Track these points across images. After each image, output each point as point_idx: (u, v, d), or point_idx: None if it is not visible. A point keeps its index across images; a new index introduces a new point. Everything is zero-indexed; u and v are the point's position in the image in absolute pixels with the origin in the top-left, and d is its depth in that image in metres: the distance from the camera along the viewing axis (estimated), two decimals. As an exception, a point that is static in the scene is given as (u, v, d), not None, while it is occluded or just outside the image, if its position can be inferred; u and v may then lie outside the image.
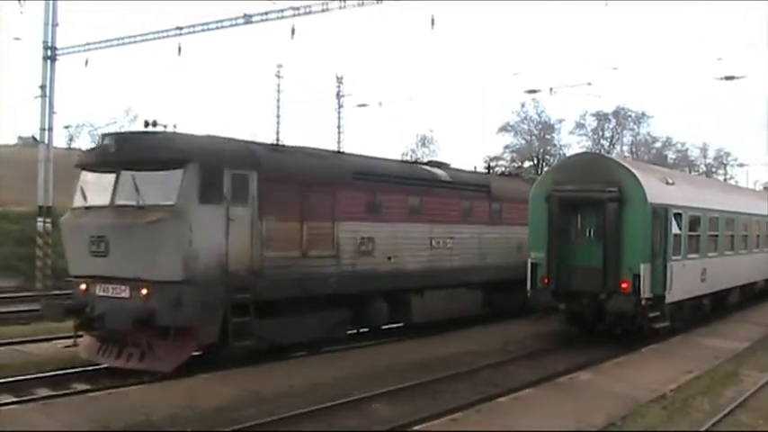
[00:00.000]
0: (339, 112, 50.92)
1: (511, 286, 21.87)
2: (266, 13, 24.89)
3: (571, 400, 12.57)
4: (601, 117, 77.98)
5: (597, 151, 65.44)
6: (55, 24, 28.60)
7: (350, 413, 11.69)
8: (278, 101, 50.24)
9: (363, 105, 38.47)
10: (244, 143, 15.49)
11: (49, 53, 28.63)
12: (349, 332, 17.43)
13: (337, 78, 52.03)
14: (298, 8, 24.29)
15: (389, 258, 17.83)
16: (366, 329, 18.36)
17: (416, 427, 10.59)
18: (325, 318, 16.40)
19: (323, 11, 24.35)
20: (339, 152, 17.65)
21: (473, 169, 23.67)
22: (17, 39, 37.56)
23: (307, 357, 15.77)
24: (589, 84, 34.16)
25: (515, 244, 22.37)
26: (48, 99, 28.42)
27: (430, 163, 21.55)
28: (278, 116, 50.02)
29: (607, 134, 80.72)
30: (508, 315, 21.85)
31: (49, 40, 28.43)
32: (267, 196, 14.79)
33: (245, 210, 14.42)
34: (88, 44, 28.13)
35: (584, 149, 67.76)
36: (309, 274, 15.67)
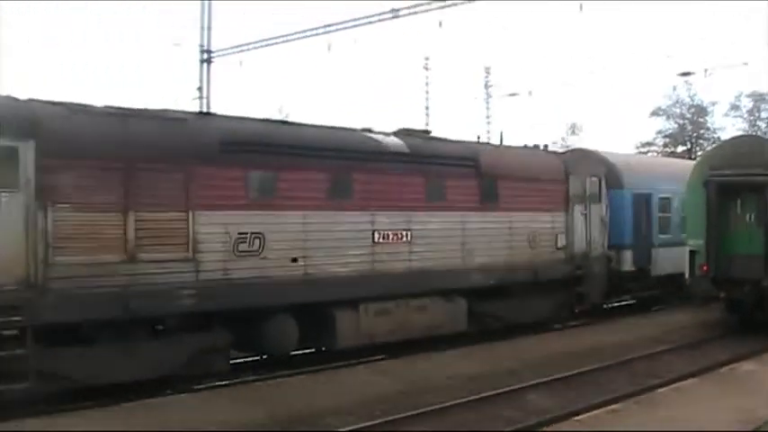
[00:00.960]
0: (487, 103, 50.00)
1: (520, 292, 16.65)
2: (414, 6, 23.19)
3: (733, 392, 11.97)
4: (757, 98, 70.35)
5: (754, 134, 57.91)
6: (210, 28, 28.89)
7: (505, 404, 11.50)
8: (426, 93, 49.25)
9: (513, 95, 38.78)
10: (13, 100, 11.01)
11: (205, 56, 29.05)
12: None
13: (485, 69, 51.25)
14: (445, -1, 22.88)
15: (295, 261, 13.01)
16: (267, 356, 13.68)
17: (576, 418, 10.36)
18: (183, 345, 11.84)
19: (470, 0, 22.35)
20: (203, 113, 12.86)
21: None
22: (177, 44, 38.58)
23: (449, 351, 15.08)
24: (745, 64, 35.32)
25: (524, 236, 16.96)
26: (205, 100, 28.76)
27: (401, 132, 16.46)
28: (426, 108, 48.96)
29: (764, 115, 72.51)
30: (525, 330, 17.02)
31: (205, 43, 28.79)
32: (56, 177, 10.41)
33: (12, 198, 10.10)
34: (241, 46, 28.61)
35: (740, 132, 60.81)
36: (141, 285, 11.15)
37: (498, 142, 18.63)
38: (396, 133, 15.79)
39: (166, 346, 11.65)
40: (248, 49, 28.62)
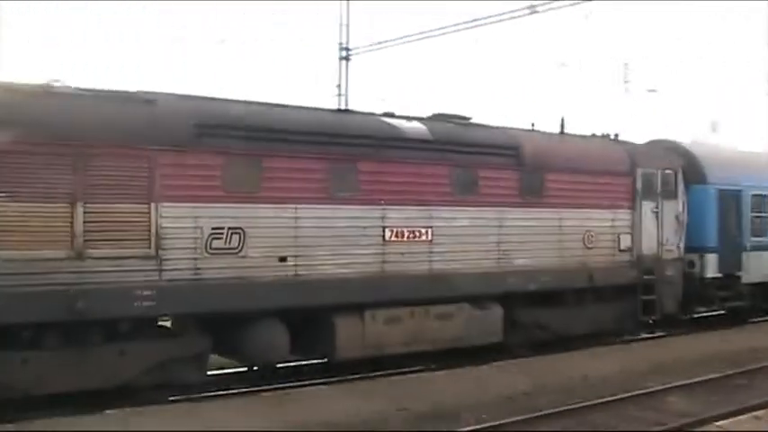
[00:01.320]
0: (626, 99, 47.88)
1: (574, 299, 14.61)
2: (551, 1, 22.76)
3: None
4: None
5: None
6: (348, 25, 29.29)
7: (644, 405, 11.31)
8: (563, 91, 46.56)
9: (652, 91, 37.12)
10: None
11: (343, 53, 29.50)
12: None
13: (624, 65, 48.76)
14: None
15: (284, 260, 11.49)
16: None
17: (717, 423, 10.11)
18: (145, 353, 10.57)
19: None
20: (180, 95, 11.48)
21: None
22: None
23: (582, 350, 14.76)
24: None
25: (578, 236, 14.82)
26: (344, 97, 29.17)
27: (434, 117, 14.58)
28: (560, 105, 47.58)
29: None
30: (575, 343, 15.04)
31: (344, 40, 29.18)
32: (-11, 163, 9.33)
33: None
34: (381, 42, 28.81)
35: None
36: (91, 285, 9.93)
37: (559, 131, 16.42)
38: (425, 118, 13.98)
39: (125, 352, 10.40)
40: (388, 46, 28.75)
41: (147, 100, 10.79)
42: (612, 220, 15.54)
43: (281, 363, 12.24)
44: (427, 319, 12.97)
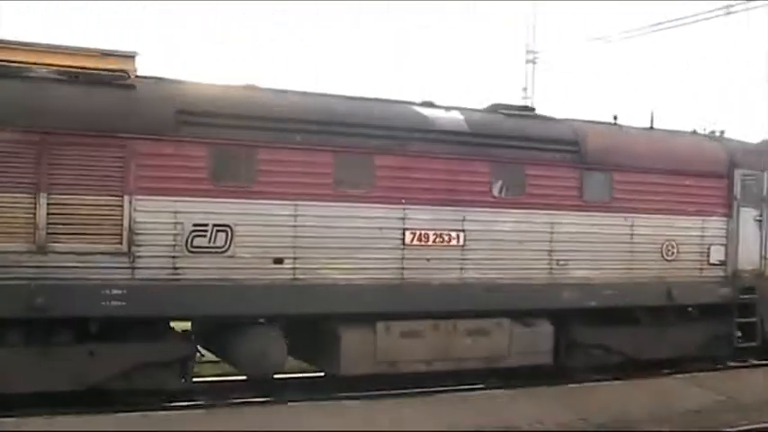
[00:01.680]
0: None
1: (650, 319, 12.66)
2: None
3: None
4: None
5: None
6: (535, 27, 29.81)
7: None
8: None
9: None
10: None
11: (530, 57, 29.94)
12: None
13: None
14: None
15: (280, 262, 10.36)
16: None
17: None
18: (120, 356, 9.78)
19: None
20: (162, 78, 10.46)
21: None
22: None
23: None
24: None
25: (654, 246, 12.78)
26: (530, 101, 29.30)
27: (491, 108, 12.94)
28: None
29: None
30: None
31: (531, 43, 29.62)
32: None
33: None
34: (571, 46, 30.18)
35: None
36: (53, 281, 9.25)
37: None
38: (474, 109, 12.42)
39: (97, 354, 9.65)
40: (578, 50, 30.39)
41: (125, 84, 9.98)
42: (702, 228, 13.29)
43: (277, 374, 11.09)
44: (456, 335, 11.43)
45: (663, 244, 12.89)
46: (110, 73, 10.14)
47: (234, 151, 10.14)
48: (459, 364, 11.58)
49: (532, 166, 11.91)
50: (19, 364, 9.25)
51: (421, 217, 11.16)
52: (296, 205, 10.42)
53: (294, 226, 10.43)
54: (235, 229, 10.09)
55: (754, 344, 13.84)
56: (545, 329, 12.09)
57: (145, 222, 9.67)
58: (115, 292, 9.51)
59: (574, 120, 12.91)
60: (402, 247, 11.05)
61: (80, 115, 9.44)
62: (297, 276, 10.43)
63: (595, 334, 12.70)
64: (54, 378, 9.39)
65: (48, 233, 9.24)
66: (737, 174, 13.58)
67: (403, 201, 11.04)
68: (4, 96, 9.24)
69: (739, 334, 13.82)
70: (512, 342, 11.81)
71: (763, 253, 13.83)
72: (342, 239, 10.65)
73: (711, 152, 13.68)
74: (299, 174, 10.43)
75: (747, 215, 13.65)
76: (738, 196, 13.56)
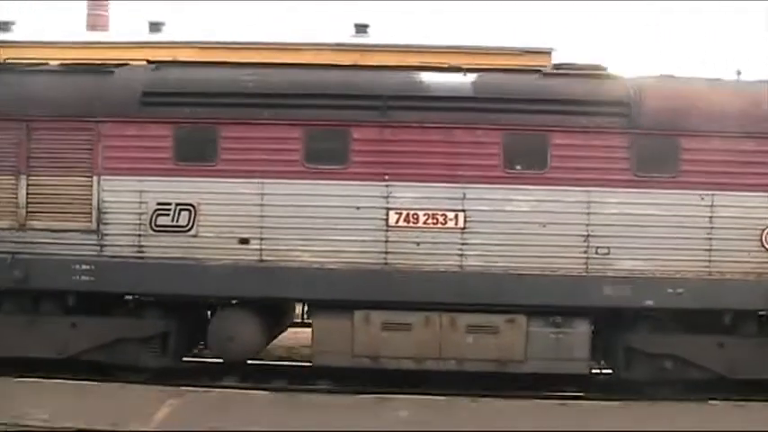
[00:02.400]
0: None
1: (746, 327, 10.21)
2: None
3: None
4: None
5: None
6: None
7: None
8: None
9: None
10: None
11: None
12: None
13: None
14: None
15: (245, 242, 10.05)
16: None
17: None
18: (95, 329, 10.36)
19: None
20: (145, 66, 10.25)
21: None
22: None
23: None
24: None
25: (748, 232, 9.98)
26: None
27: (553, 67, 10.90)
28: None
29: None
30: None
31: None
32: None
33: None
34: None
35: None
36: (31, 255, 10.12)
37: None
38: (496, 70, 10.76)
39: (76, 326, 10.34)
40: None
41: (101, 71, 10.47)
42: None
43: (249, 359, 10.74)
44: (454, 331, 10.03)
45: (763, 230, 9.87)
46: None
47: (195, 129, 10.09)
48: (459, 365, 10.12)
49: (560, 133, 9.93)
50: (10, 330, 10.31)
51: (409, 195, 9.99)
52: (262, 183, 10.03)
53: (261, 205, 10.05)
54: (198, 208, 10.05)
55: None
56: (579, 331, 10.02)
57: (111, 201, 10.11)
58: (84, 267, 10.11)
59: (631, 77, 10.45)
60: (386, 228, 10.00)
61: (54, 103, 10.16)
62: (263, 258, 10.05)
63: (665, 342, 10.20)
64: (37, 347, 10.27)
65: (27, 212, 10.14)
66: None
67: (386, 177, 9.98)
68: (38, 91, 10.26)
69: None
70: (529, 343, 10.00)
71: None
72: (313, 219, 10.00)
73: None
74: (265, 150, 10.02)
75: None
76: None
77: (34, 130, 10.11)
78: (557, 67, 11.04)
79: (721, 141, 9.87)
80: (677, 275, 9.88)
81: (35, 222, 10.16)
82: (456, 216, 9.98)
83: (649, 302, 9.90)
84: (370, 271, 9.99)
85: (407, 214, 10.00)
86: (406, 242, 10.01)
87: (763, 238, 9.88)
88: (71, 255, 10.10)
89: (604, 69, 10.84)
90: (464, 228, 9.98)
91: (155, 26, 38.13)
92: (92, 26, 46.35)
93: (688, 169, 9.89)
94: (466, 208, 9.97)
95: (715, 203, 9.90)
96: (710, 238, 9.91)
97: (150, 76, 10.41)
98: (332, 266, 9.98)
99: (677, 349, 10.20)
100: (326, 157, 10.03)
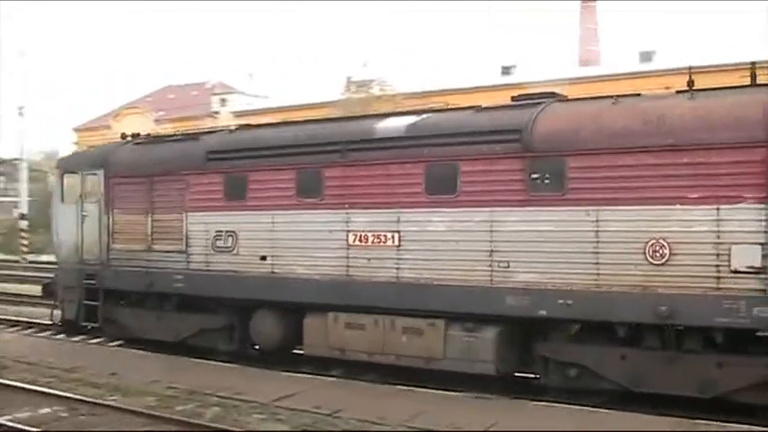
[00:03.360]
0: None
1: (660, 338, 10.51)
2: None
3: None
4: None
5: None
6: None
7: None
8: None
9: None
10: (99, 149, 16.01)
11: None
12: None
13: None
14: None
15: (264, 259, 13.37)
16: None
17: None
18: (191, 320, 14.63)
19: None
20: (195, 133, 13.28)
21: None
22: None
23: None
24: None
25: (634, 246, 10.29)
26: None
27: (519, 98, 11.75)
28: None
29: None
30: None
31: None
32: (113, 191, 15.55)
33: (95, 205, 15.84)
34: None
35: None
36: (154, 269, 14.83)
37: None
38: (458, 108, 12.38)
39: (182, 317, 14.74)
40: None
41: (191, 138, 14.81)
42: (717, 222, 9.54)
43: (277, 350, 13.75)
44: (393, 332, 11.98)
45: (648, 244, 9.93)
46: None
47: (235, 177, 13.75)
48: (397, 360, 11.96)
49: (466, 161, 11.32)
50: (146, 320, 15.12)
51: (361, 219, 12.30)
52: (273, 214, 13.27)
53: (271, 230, 13.28)
54: (238, 234, 13.68)
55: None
56: (486, 336, 11.16)
57: (193, 230, 14.31)
58: (179, 277, 14.47)
59: (528, 104, 11.21)
60: (347, 247, 12.44)
61: (165, 163, 14.77)
62: (274, 270, 13.24)
63: (572, 351, 10.74)
64: (162, 332, 14.91)
65: (152, 239, 14.91)
66: None
67: (346, 206, 12.45)
68: (129, 156, 15.34)
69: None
70: (446, 345, 11.46)
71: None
72: (302, 241, 12.90)
73: (740, 110, 9.49)
74: (274, 189, 13.25)
75: None
76: None
77: (154, 183, 14.84)
78: (513, 98, 12.20)
79: (603, 159, 10.27)
80: (567, 288, 10.48)
81: (156, 246, 14.83)
82: (393, 236, 11.99)
83: (543, 312, 10.66)
84: (338, 281, 12.50)
85: (360, 235, 12.31)
86: (361, 258, 12.31)
87: (647, 252, 9.96)
88: (173, 268, 14.51)
89: (555, 96, 11.74)
90: (399, 245, 11.94)
91: (645, 55, 40.29)
92: (584, 61, 50.65)
93: (574, 187, 10.47)
94: (400, 229, 11.92)
95: (600, 218, 10.29)
96: (597, 252, 10.31)
97: (214, 140, 14.47)
98: (316, 277, 12.73)
99: (584, 359, 10.67)
100: (309, 191, 12.86)
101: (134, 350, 15.23)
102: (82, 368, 13.23)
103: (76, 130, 64.87)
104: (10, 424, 10.02)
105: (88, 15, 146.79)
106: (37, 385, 11.99)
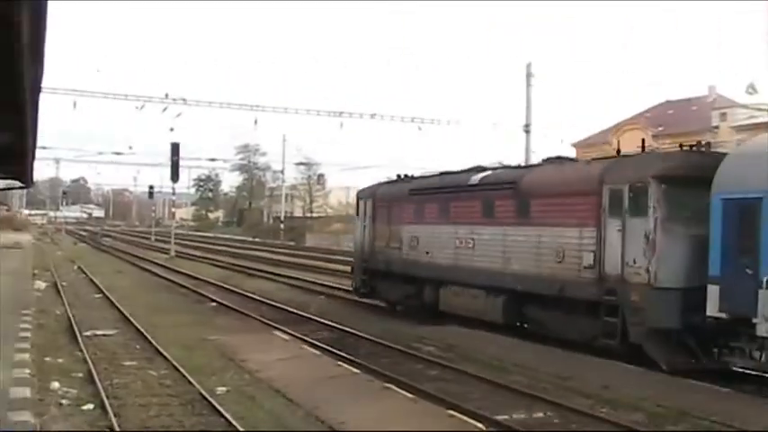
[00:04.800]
0: None
1: (566, 307, 17.49)
2: None
3: None
4: None
5: None
6: None
7: None
8: None
9: None
10: (368, 187, 26.84)
11: None
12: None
13: None
14: None
15: (428, 253, 22.64)
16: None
17: None
18: (403, 288, 24.42)
19: None
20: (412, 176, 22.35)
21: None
22: None
23: None
24: None
25: (552, 251, 17.55)
26: None
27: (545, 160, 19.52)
28: None
29: None
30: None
31: None
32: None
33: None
34: None
35: None
36: (391, 256, 24.98)
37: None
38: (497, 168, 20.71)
39: (399, 287, 24.72)
40: None
41: (407, 181, 24.88)
42: (579, 237, 16.49)
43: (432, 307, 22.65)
44: (469, 297, 20.42)
45: (556, 249, 17.13)
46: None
47: (417, 205, 23.24)
48: (472, 314, 20.30)
49: (497, 199, 19.63)
50: (390, 288, 25.41)
51: (460, 231, 20.99)
52: (431, 227, 22.51)
53: (429, 236, 22.50)
54: (419, 239, 23.11)
55: (611, 342, 15.35)
56: (498, 301, 19.19)
57: (402, 236, 24.20)
58: (398, 263, 24.55)
59: (522, 167, 18.81)
60: (455, 247, 21.13)
61: (392, 195, 25.03)
62: (430, 260, 22.39)
63: (532, 311, 18.29)
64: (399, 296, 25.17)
65: (388, 240, 25.27)
66: (605, 189, 15.80)
67: (455, 223, 21.21)
68: (394, 189, 25.88)
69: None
70: (486, 306, 19.69)
71: (624, 260, 15.11)
72: (440, 243, 21.92)
73: (587, 173, 16.69)
74: (430, 212, 22.55)
75: (612, 226, 15.51)
76: (606, 208, 15.78)
77: (391, 206, 24.85)
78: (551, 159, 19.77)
79: (542, 198, 17.76)
80: (527, 273, 18.14)
81: (390, 244, 24.71)
82: (470, 241, 20.53)
83: (519, 287, 18.42)
84: (452, 267, 21.21)
85: (459, 240, 21.00)
86: (460, 254, 21.02)
87: (557, 255, 17.15)
88: (395, 258, 24.35)
89: (575, 160, 19.20)
90: (473, 247, 20.41)
91: None
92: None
93: (533, 215, 18.02)
94: (473, 237, 20.40)
95: (541, 234, 17.76)
96: (539, 254, 17.81)
97: (412, 184, 24.22)
98: (445, 264, 21.62)
99: (536, 317, 18.15)
100: (443, 214, 21.75)
101: (625, 365, 14.80)
102: (574, 377, 13.82)
103: (575, 145, 65.65)
104: (507, 423, 11.00)
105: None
106: (533, 390, 13.03)
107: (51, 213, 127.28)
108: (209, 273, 38.26)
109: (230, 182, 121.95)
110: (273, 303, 25.99)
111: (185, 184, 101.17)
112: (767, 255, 12.40)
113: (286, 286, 32.59)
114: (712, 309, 13.27)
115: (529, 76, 37.42)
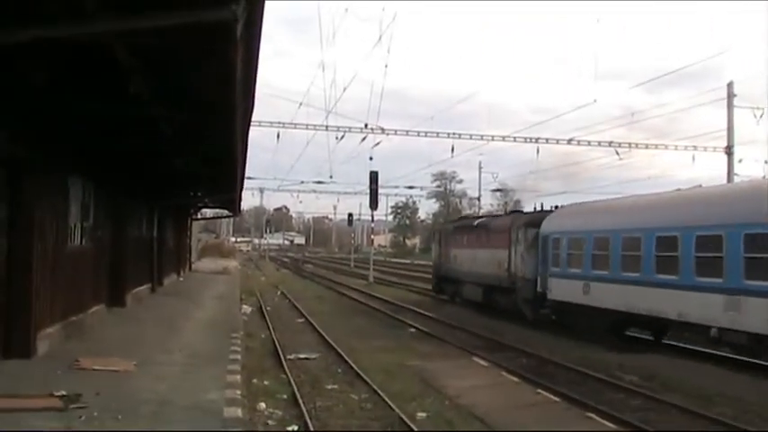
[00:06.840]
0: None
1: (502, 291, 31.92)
2: None
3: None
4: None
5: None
6: None
7: None
8: None
9: None
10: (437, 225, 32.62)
11: None
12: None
13: None
14: None
15: (460, 264, 37.02)
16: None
17: None
18: (453, 287, 37.79)
19: None
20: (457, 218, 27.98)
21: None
22: None
23: None
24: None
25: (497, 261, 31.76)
26: None
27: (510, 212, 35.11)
28: None
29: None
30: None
31: None
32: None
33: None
34: None
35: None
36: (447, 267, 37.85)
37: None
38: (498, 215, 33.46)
39: (452, 288, 36.45)
40: None
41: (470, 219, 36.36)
42: (506, 254, 30.41)
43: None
44: (477, 289, 33.98)
45: (498, 261, 30.71)
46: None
47: (462, 234, 37.21)
48: (479, 299, 34.04)
49: (491, 233, 32.31)
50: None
51: (477, 252, 32.75)
52: (467, 250, 35.41)
53: (467, 254, 35.95)
54: (458, 256, 36.59)
55: (511, 308, 30.08)
56: (478, 289, 30.59)
57: (449, 253, 34.46)
58: (452, 271, 36.64)
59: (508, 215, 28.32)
60: (471, 260, 33.41)
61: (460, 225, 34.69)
62: (467, 270, 36.17)
63: (494, 298, 32.07)
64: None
65: (453, 254, 27.41)
66: (512, 229, 30.38)
67: (472, 247, 33.81)
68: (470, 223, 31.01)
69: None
70: (479, 296, 31.41)
71: (514, 266, 29.74)
72: (467, 258, 36.17)
73: (505, 221, 32.51)
74: (460, 241, 36.65)
75: (513, 248, 29.93)
76: (512, 240, 30.07)
77: (453, 234, 31.34)
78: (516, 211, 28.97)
79: (493, 233, 31.77)
80: (490, 274, 30.55)
81: (453, 258, 33.44)
82: (473, 256, 32.13)
83: (489, 282, 30.24)
84: (469, 273, 34.24)
85: (470, 255, 32.15)
86: (473, 264, 32.39)
87: (500, 264, 25.76)
88: (450, 267, 38.01)
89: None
90: (474, 260, 31.78)
91: None
92: None
93: (491, 242, 28.88)
94: (476, 256, 32.29)
95: (494, 252, 24.42)
96: (495, 265, 24.00)
97: (454, 224, 35.44)
98: (466, 270, 35.55)
99: (496, 301, 31.43)
100: (471, 242, 36.41)
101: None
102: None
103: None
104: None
105: None
106: (739, 422, 12.99)
107: (255, 240, 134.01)
108: (406, 298, 39.32)
109: (427, 208, 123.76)
110: (469, 329, 26.27)
111: (383, 211, 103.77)
112: (545, 263, 27.33)
113: (478, 313, 32.49)
114: (540, 288, 27.47)
115: (730, 96, 35.46)
